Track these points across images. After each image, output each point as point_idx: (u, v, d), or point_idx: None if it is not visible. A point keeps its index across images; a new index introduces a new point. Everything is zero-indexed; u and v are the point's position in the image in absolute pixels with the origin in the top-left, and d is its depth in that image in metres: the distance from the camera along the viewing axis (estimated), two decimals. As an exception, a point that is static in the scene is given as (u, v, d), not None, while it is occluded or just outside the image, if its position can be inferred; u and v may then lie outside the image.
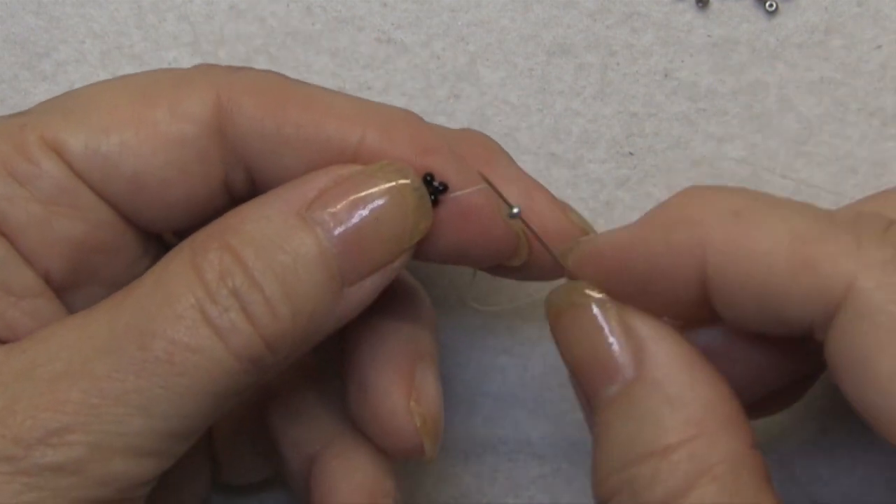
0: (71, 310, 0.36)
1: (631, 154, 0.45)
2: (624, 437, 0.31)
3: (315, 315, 0.33)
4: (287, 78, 0.36)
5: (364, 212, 0.33)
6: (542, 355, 0.46)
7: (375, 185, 0.34)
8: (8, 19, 0.45)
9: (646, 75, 0.45)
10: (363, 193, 0.34)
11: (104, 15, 0.45)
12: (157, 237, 0.38)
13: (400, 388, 0.37)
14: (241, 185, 0.36)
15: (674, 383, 0.31)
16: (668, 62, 0.45)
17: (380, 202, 0.34)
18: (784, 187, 0.45)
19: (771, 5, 0.44)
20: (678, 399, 0.31)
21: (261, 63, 0.45)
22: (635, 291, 0.33)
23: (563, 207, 0.37)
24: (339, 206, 0.33)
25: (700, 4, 0.45)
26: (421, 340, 0.38)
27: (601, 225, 0.45)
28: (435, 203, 0.35)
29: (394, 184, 0.34)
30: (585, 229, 0.37)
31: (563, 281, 0.35)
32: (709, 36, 0.45)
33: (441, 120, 0.45)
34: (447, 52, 0.45)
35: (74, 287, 0.36)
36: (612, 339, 0.32)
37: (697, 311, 0.33)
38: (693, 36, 0.45)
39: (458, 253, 0.36)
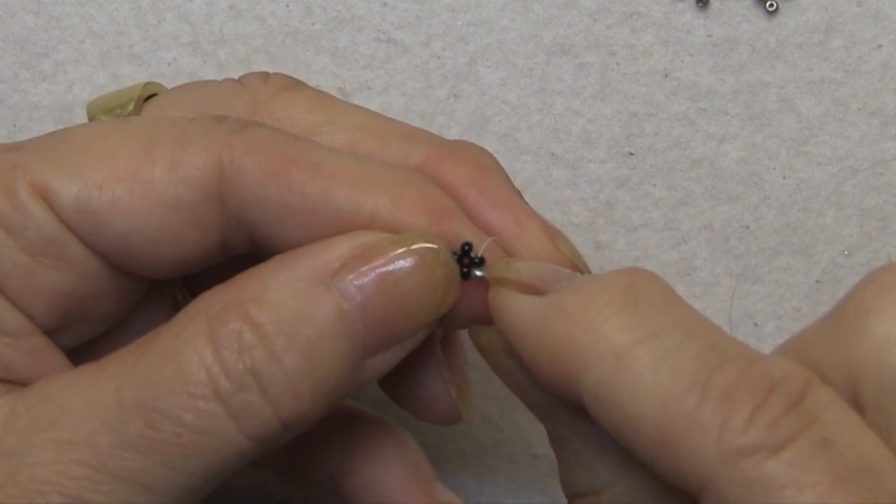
0: (58, 346, 0.35)
1: (631, 154, 0.45)
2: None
3: (335, 391, 0.32)
4: (292, 138, 0.34)
5: (390, 284, 0.32)
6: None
7: (403, 257, 0.32)
8: (8, 19, 0.45)
9: (646, 75, 0.45)
10: (391, 266, 0.32)
11: (104, 15, 0.45)
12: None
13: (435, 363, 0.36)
14: (241, 247, 0.35)
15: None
16: (668, 62, 0.45)
17: (407, 275, 0.32)
18: (784, 187, 0.45)
19: (771, 5, 0.44)
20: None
21: (261, 63, 0.45)
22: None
23: (556, 235, 0.36)
24: (365, 278, 0.32)
25: (700, 4, 0.45)
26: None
27: (601, 225, 0.45)
28: (467, 276, 0.33)
29: (422, 256, 0.32)
30: (575, 262, 0.35)
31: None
32: (709, 36, 0.45)
33: (441, 120, 0.45)
34: (447, 52, 0.45)
35: (61, 330, 0.35)
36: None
37: None
38: (693, 36, 0.45)
39: (469, 318, 0.35)
